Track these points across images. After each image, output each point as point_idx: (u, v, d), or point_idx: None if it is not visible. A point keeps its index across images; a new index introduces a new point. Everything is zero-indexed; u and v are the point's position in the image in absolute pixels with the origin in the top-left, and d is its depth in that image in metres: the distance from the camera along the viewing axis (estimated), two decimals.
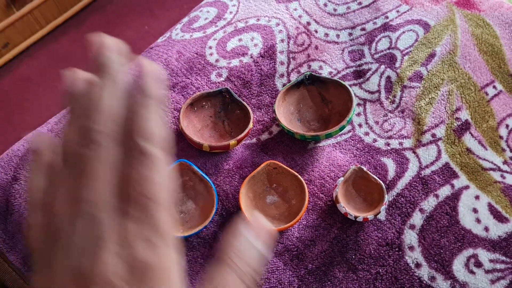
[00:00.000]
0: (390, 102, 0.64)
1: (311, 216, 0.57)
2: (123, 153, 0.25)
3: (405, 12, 0.71)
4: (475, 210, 0.56)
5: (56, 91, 1.53)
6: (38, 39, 1.62)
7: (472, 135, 0.61)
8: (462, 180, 0.58)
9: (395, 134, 0.62)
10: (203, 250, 0.55)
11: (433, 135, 0.61)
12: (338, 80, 0.61)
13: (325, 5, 0.74)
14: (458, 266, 0.53)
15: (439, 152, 0.60)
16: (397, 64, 0.66)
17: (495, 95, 0.64)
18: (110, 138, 0.25)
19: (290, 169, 0.57)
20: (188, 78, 0.67)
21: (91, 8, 1.75)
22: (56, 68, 1.59)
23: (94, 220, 0.24)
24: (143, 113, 0.26)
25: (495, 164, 0.59)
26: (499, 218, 0.55)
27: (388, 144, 0.61)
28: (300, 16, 0.72)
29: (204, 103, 0.63)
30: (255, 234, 0.29)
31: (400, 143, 0.61)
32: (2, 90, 1.54)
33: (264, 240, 0.29)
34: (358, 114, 0.64)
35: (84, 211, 0.24)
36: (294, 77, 0.67)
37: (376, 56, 0.68)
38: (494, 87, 0.64)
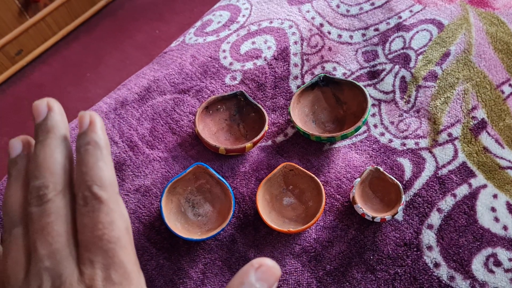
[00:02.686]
0: (405, 102, 0.64)
1: (328, 217, 0.57)
2: (74, 202, 0.26)
3: (418, 11, 0.71)
4: (493, 209, 0.56)
5: (69, 97, 1.54)
6: (51, 46, 1.64)
7: (488, 133, 0.60)
8: (479, 179, 0.57)
9: (411, 134, 0.61)
10: (221, 253, 0.55)
11: (449, 135, 0.61)
12: (353, 81, 0.61)
13: (338, 6, 0.74)
14: (477, 265, 0.53)
15: (455, 151, 0.59)
16: (412, 64, 0.66)
17: (511, 94, 0.63)
18: (57, 191, 0.25)
19: (306, 171, 0.57)
20: (203, 82, 0.67)
21: (103, 13, 1.76)
22: (69, 74, 1.60)
23: (54, 275, 0.23)
24: (89, 160, 0.26)
25: None
26: None
27: (404, 144, 0.61)
28: (313, 18, 0.73)
29: (219, 106, 0.64)
30: (261, 277, 0.27)
31: (416, 143, 0.61)
32: (17, 96, 1.56)
33: (270, 285, 0.27)
34: (373, 115, 0.64)
35: (43, 268, 0.24)
36: (308, 79, 0.67)
37: (390, 56, 0.68)
38: (510, 85, 0.64)
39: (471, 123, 0.61)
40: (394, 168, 0.59)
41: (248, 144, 0.58)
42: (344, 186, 0.59)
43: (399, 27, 0.70)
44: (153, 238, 0.56)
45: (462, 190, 0.57)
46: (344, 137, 0.58)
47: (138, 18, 1.75)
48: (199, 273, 0.54)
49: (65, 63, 1.64)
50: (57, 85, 1.58)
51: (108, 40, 1.69)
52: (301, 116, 0.63)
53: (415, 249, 0.54)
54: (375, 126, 0.63)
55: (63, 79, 1.59)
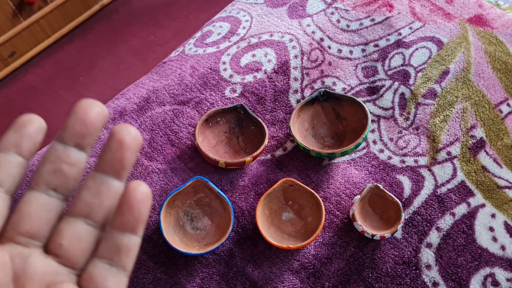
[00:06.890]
0: (404, 119, 0.64)
1: (327, 233, 0.57)
2: None
3: (418, 29, 0.72)
4: (491, 229, 0.56)
5: (61, 100, 1.53)
6: (44, 48, 1.63)
7: (487, 153, 0.61)
8: (478, 199, 0.58)
9: (410, 151, 0.62)
10: (218, 267, 0.55)
11: (449, 153, 0.61)
12: (353, 96, 0.61)
13: (338, 21, 0.74)
14: (475, 285, 0.53)
15: (454, 170, 0.60)
16: (411, 81, 0.67)
17: (510, 113, 0.64)
18: None
19: (306, 187, 0.57)
20: (203, 94, 0.67)
21: (97, 17, 1.75)
22: (62, 77, 1.59)
23: None
24: None
25: (510, 182, 0.59)
26: None
27: (403, 162, 0.61)
28: (313, 32, 0.73)
29: (219, 119, 0.63)
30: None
31: (415, 161, 0.61)
32: (8, 99, 1.54)
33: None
34: (372, 131, 0.64)
35: None
36: (308, 93, 0.67)
37: (389, 72, 0.68)
38: (508, 104, 0.64)
39: (470, 142, 0.62)
40: (394, 185, 0.59)
41: (248, 158, 0.58)
42: (343, 202, 0.59)
43: (399, 43, 0.70)
44: (150, 251, 0.56)
45: (461, 209, 0.57)
46: (344, 154, 0.58)
47: (133, 23, 1.74)
48: (196, 287, 0.54)
49: (58, 66, 1.62)
50: (50, 88, 1.56)
51: (102, 44, 1.68)
52: (300, 131, 0.62)
53: (414, 267, 0.54)
54: (374, 142, 0.63)
55: (55, 82, 1.58)
